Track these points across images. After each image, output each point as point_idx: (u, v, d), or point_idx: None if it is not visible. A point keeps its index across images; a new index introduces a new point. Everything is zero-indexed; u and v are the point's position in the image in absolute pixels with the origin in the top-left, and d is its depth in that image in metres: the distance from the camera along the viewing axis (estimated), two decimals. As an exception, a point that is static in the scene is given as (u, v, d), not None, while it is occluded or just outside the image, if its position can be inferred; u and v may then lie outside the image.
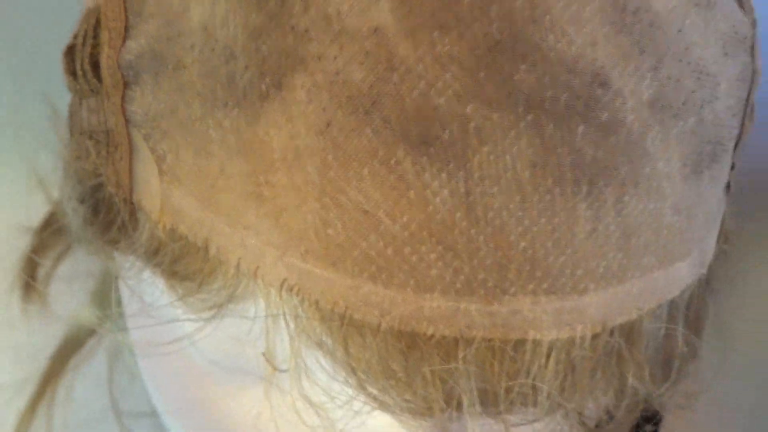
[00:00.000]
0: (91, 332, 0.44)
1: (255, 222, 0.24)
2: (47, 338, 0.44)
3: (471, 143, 0.22)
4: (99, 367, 0.44)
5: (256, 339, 0.25)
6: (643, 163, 0.24)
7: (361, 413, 0.25)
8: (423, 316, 0.23)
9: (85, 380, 0.45)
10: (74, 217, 0.29)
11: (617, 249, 0.25)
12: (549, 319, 0.24)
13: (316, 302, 0.23)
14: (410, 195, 0.23)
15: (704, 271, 0.28)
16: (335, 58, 0.22)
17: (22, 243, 0.41)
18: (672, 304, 0.27)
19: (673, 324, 0.28)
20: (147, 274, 0.27)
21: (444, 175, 0.22)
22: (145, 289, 0.28)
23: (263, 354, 0.25)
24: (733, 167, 0.29)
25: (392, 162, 0.22)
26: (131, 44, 0.25)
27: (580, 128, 0.23)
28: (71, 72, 0.27)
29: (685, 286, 0.27)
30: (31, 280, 0.41)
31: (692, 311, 0.30)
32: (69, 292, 0.43)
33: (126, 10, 0.25)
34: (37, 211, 0.41)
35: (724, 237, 0.31)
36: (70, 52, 0.27)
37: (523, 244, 0.23)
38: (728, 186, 0.29)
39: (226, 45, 0.23)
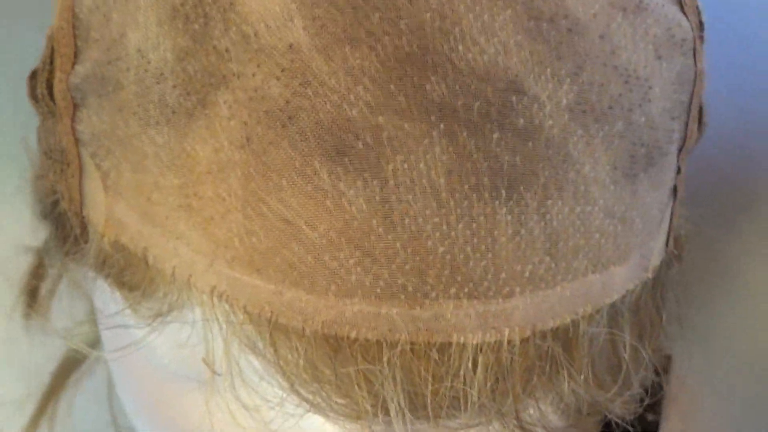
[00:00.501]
0: (91, 348, 0.45)
1: (186, 232, 0.25)
2: (49, 354, 0.46)
3: (384, 152, 0.23)
4: (99, 382, 0.46)
5: (196, 345, 0.26)
6: (566, 167, 0.25)
7: (295, 415, 0.26)
8: (345, 320, 0.24)
9: (86, 396, 0.46)
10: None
11: (543, 253, 0.25)
12: (473, 323, 0.24)
13: (244, 307, 0.24)
14: (327, 204, 0.23)
15: (649, 275, 0.29)
16: (254, 75, 0.23)
17: (25, 261, 0.43)
18: (613, 308, 0.28)
19: (616, 329, 0.28)
20: (101, 283, 0.29)
21: (359, 183, 0.23)
22: (101, 297, 0.29)
23: (203, 359, 0.26)
24: (679, 171, 0.29)
25: (309, 172, 0.23)
26: (79, 68, 0.27)
27: (495, 135, 0.24)
28: (33, 96, 0.29)
29: (626, 291, 0.28)
30: (32, 297, 0.43)
31: (640, 317, 0.30)
32: (70, 309, 0.44)
33: (75, 37, 0.27)
34: (39, 230, 0.43)
35: (674, 242, 0.31)
36: (33, 76, 0.29)
37: (441, 249, 0.24)
38: (675, 190, 0.30)
39: (158, 66, 0.24)
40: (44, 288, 0.43)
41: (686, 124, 0.29)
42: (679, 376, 0.47)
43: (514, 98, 0.24)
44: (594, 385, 0.28)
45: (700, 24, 0.30)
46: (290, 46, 0.23)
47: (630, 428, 0.36)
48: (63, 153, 0.28)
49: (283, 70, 0.23)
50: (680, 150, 0.29)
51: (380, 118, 0.23)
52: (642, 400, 0.36)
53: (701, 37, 0.30)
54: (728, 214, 0.44)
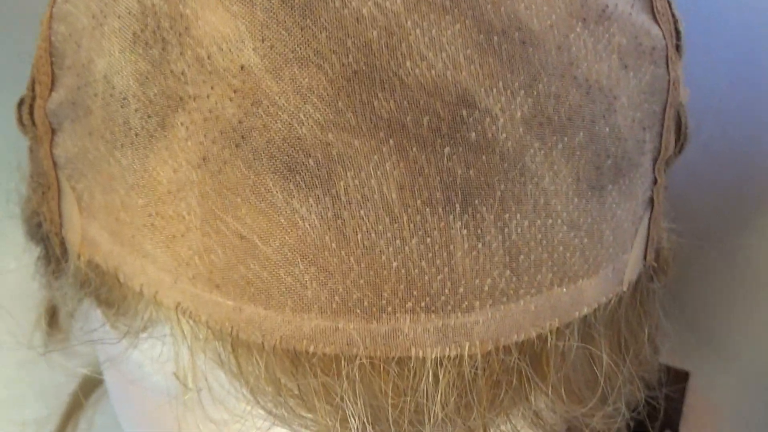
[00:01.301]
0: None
1: (151, 251, 0.25)
2: (69, 375, 0.47)
3: (335, 169, 0.24)
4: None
5: (168, 360, 0.27)
6: (523, 180, 0.25)
7: (262, 429, 0.26)
8: (303, 335, 0.24)
9: (105, 415, 0.48)
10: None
11: (503, 267, 0.25)
12: (432, 338, 0.24)
13: (207, 323, 0.25)
14: (281, 220, 0.24)
15: (623, 288, 0.28)
16: (208, 96, 0.24)
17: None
18: (586, 322, 0.27)
19: (590, 344, 0.27)
20: (85, 302, 0.30)
21: (311, 200, 0.24)
22: (85, 315, 0.31)
23: (174, 373, 0.27)
24: (656, 182, 0.29)
25: (262, 190, 0.24)
26: (55, 95, 0.28)
27: (446, 149, 0.24)
28: (20, 122, 0.30)
29: (598, 305, 0.27)
30: (52, 318, 0.44)
31: (618, 331, 0.29)
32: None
33: (52, 65, 0.28)
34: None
35: (655, 254, 0.30)
36: (20, 103, 0.30)
37: (395, 263, 0.24)
38: (651, 201, 0.29)
39: (121, 91, 0.25)
40: (63, 310, 0.44)
41: (660, 134, 0.28)
42: (697, 392, 0.46)
43: (464, 112, 0.24)
44: (570, 400, 0.27)
45: (677, 32, 0.29)
46: (242, 67, 0.24)
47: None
48: (44, 176, 0.29)
49: (235, 91, 0.24)
50: (656, 161, 0.29)
51: (330, 136, 0.23)
52: (649, 416, 0.35)
53: (677, 46, 0.29)
54: (749, 225, 0.43)
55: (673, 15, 0.29)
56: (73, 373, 0.47)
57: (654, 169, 0.29)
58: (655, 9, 0.28)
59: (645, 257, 0.29)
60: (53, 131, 0.28)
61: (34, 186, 0.30)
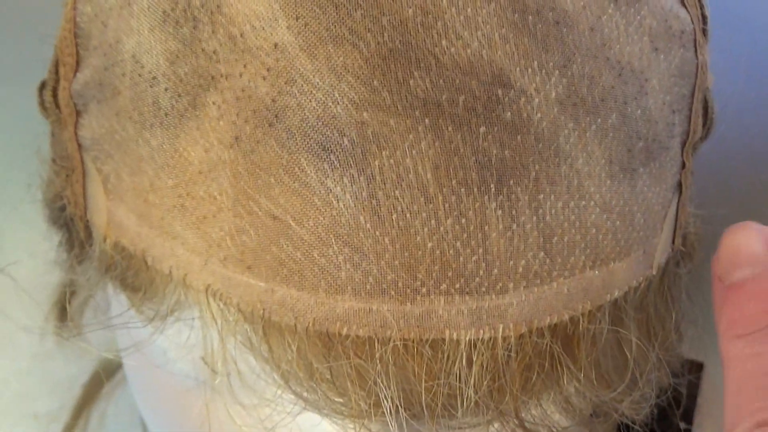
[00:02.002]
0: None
1: (181, 232, 0.25)
2: (81, 367, 0.47)
3: (370, 148, 0.23)
4: (131, 394, 0.47)
5: (196, 344, 0.27)
6: (557, 161, 0.25)
7: (293, 413, 0.26)
8: (336, 316, 0.24)
9: (118, 407, 0.47)
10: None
11: (537, 248, 0.25)
12: (466, 319, 0.24)
13: (238, 305, 0.25)
14: (314, 200, 0.24)
15: (653, 272, 0.28)
16: (241, 75, 0.24)
17: (56, 276, 0.44)
18: (616, 306, 0.27)
19: (620, 327, 0.27)
20: (108, 286, 0.29)
21: (345, 180, 0.23)
22: (109, 300, 0.30)
23: (202, 358, 0.26)
24: (684, 166, 0.29)
25: (296, 170, 0.24)
26: (80, 76, 0.28)
27: (482, 129, 0.24)
28: (42, 105, 0.30)
29: (629, 288, 0.27)
30: (63, 311, 0.44)
31: (647, 315, 0.29)
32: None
33: (77, 45, 0.28)
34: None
35: (682, 239, 0.30)
36: (42, 87, 0.30)
37: (430, 244, 0.24)
38: (679, 185, 0.29)
39: (150, 70, 0.25)
40: (75, 302, 0.44)
41: (689, 118, 0.28)
42: (712, 384, 0.45)
43: (500, 91, 0.24)
44: (599, 385, 0.27)
45: (703, 17, 0.29)
46: (275, 45, 0.23)
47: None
48: (68, 159, 0.29)
49: (269, 70, 0.24)
50: (684, 144, 0.29)
51: (365, 115, 0.23)
52: (669, 405, 0.35)
53: (704, 30, 0.29)
54: (764, 215, 0.43)
55: (699, 0, 0.29)
56: (85, 365, 0.47)
57: (682, 153, 0.29)
58: None
59: (673, 241, 0.29)
60: (78, 113, 0.28)
61: (57, 169, 0.30)
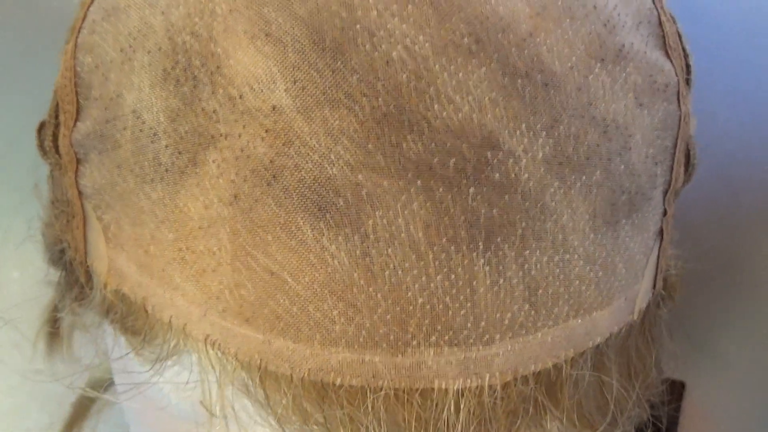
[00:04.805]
0: (112, 378, 0.47)
1: (181, 284, 0.26)
2: (71, 385, 0.47)
3: (364, 208, 0.24)
4: (121, 412, 0.47)
5: (194, 387, 0.27)
6: (543, 218, 0.26)
7: None
8: (330, 367, 0.25)
9: (108, 425, 0.48)
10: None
11: (523, 301, 0.26)
12: (454, 370, 0.25)
13: (236, 355, 0.26)
14: (311, 258, 0.24)
15: (634, 317, 0.29)
16: (240, 135, 0.25)
17: (47, 295, 0.45)
18: (598, 351, 0.28)
19: (602, 371, 0.28)
20: (108, 328, 0.30)
21: (340, 238, 0.24)
22: (108, 341, 0.31)
23: (200, 402, 0.27)
24: (665, 213, 0.30)
25: (293, 228, 0.24)
26: (81, 125, 0.28)
27: (471, 189, 0.25)
28: (41, 147, 0.30)
29: (610, 334, 0.28)
30: (54, 329, 0.44)
31: (628, 357, 0.30)
32: (91, 340, 0.46)
33: (77, 94, 0.28)
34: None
35: (663, 281, 0.31)
36: (41, 128, 0.31)
37: (421, 299, 0.25)
38: (661, 232, 0.30)
39: (151, 126, 0.26)
40: (65, 321, 0.45)
41: (671, 168, 0.29)
42: (693, 403, 0.47)
43: (489, 153, 0.25)
44: (581, 425, 0.28)
45: (687, 67, 0.30)
46: (273, 107, 0.24)
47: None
48: (68, 204, 0.30)
49: (267, 131, 0.24)
50: (666, 193, 0.30)
51: (359, 176, 0.24)
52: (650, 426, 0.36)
53: (687, 80, 0.30)
54: (742, 236, 0.44)
55: (684, 50, 0.30)
56: (76, 382, 0.48)
57: (664, 201, 0.30)
58: (667, 45, 0.29)
59: (654, 286, 0.30)
60: (78, 161, 0.29)
61: (57, 213, 0.31)
